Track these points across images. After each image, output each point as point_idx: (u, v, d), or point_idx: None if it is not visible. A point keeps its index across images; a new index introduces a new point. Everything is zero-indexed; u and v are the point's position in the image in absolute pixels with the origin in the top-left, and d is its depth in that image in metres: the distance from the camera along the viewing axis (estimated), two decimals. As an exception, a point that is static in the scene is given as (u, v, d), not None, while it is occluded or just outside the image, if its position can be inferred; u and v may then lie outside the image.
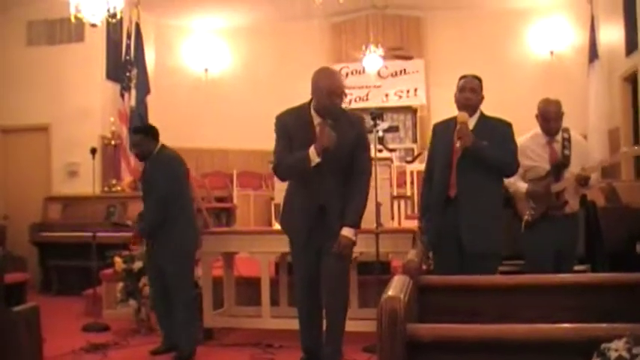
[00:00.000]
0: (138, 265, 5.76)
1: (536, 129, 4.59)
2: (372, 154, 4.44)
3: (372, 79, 11.92)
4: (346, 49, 12.04)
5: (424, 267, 3.76)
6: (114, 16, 7.57)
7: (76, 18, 7.27)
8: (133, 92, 9.14)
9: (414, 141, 11.90)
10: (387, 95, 11.98)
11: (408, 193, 8.98)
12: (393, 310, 1.97)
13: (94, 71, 9.31)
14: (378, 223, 5.04)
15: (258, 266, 5.48)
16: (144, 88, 9.33)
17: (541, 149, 4.51)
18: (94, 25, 7.49)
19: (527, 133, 4.63)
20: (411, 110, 12.10)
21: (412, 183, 8.98)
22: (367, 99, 11.97)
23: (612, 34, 9.20)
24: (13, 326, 2.53)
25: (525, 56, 11.35)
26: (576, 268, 4.77)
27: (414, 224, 4.55)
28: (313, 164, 3.93)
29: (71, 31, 9.09)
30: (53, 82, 9.15)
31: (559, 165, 4.42)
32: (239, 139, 11.33)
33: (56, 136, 9.28)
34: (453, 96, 4.23)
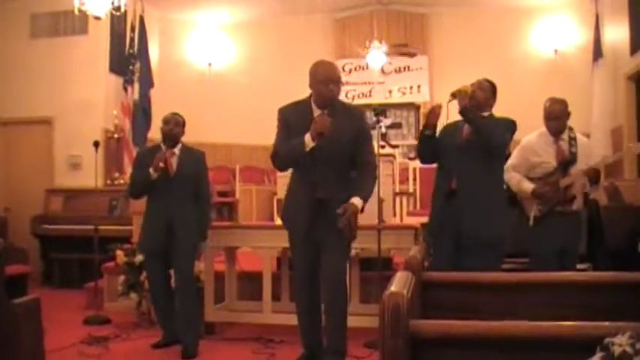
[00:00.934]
0: (139, 258, 5.77)
1: (543, 128, 4.65)
2: (375, 150, 4.45)
3: (375, 75, 11.92)
4: (350, 45, 12.01)
5: (427, 263, 3.77)
6: (118, 9, 7.57)
7: (80, 10, 7.27)
8: (137, 86, 9.11)
9: (417, 138, 11.85)
10: (390, 91, 11.98)
11: (411, 190, 8.97)
12: (395, 306, 1.96)
13: (97, 64, 9.30)
14: (381, 220, 5.03)
15: (260, 261, 5.48)
16: (147, 82, 9.31)
17: (548, 147, 4.58)
18: (97, 18, 7.50)
19: (533, 133, 4.70)
20: (414, 107, 12.07)
21: (415, 179, 8.97)
22: (370, 95, 11.98)
23: (617, 33, 9.18)
24: (15, 318, 2.53)
25: (529, 54, 11.32)
26: (579, 266, 4.80)
27: (416, 221, 4.55)
28: (308, 149, 3.93)
29: (75, 23, 9.10)
30: (56, 74, 9.15)
31: (567, 161, 4.49)
32: (242, 134, 11.33)
33: (59, 129, 9.28)
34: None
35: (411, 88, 11.89)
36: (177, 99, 10.50)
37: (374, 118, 5.31)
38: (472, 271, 3.28)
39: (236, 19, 12.09)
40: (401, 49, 11.83)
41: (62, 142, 9.24)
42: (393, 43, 11.66)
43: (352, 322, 4.61)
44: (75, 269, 7.94)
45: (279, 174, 5.79)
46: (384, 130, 8.27)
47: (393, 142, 10.04)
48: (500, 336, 2.02)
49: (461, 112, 4.13)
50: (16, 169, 9.30)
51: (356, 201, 3.97)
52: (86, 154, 8.13)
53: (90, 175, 7.16)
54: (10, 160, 9.34)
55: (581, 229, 4.76)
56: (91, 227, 6.45)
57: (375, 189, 4.96)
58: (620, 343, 1.77)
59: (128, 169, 9.01)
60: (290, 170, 4.34)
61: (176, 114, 5.15)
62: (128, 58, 9.19)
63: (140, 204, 5.42)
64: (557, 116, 4.53)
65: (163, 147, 4.95)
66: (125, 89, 9.12)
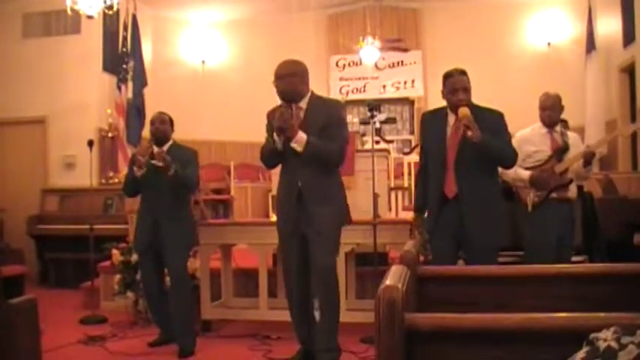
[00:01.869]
0: (135, 257, 5.76)
1: (537, 123, 4.81)
2: (370, 145, 4.44)
3: (369, 70, 11.91)
4: (343, 41, 12.02)
5: (422, 258, 3.77)
6: (110, 7, 7.55)
7: (72, 10, 7.25)
8: (130, 84, 9.09)
9: (412, 132, 11.90)
10: (384, 87, 11.98)
11: (406, 185, 8.97)
12: (391, 300, 1.96)
13: (90, 63, 9.28)
14: (376, 215, 5.04)
15: (255, 258, 5.48)
16: (141, 81, 9.29)
17: (542, 137, 4.73)
18: (90, 17, 7.48)
19: (527, 128, 4.86)
20: (409, 102, 12.09)
21: (409, 174, 8.97)
22: (364, 90, 11.98)
23: (609, 26, 9.19)
24: (11, 319, 2.52)
25: (523, 48, 11.33)
26: (574, 258, 4.83)
27: (411, 215, 4.54)
28: (278, 145, 4.03)
29: (67, 23, 9.06)
30: (50, 74, 9.12)
31: (560, 149, 4.66)
32: (236, 131, 11.30)
33: (53, 129, 9.25)
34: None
35: (405, 83, 11.90)
36: (171, 97, 10.50)
37: (368, 113, 5.31)
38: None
39: (229, 16, 12.07)
40: (394, 44, 11.83)
41: (56, 141, 9.22)
42: (386, 38, 11.65)
43: (348, 317, 4.62)
44: (71, 269, 7.94)
45: (272, 171, 5.80)
46: (378, 125, 8.29)
47: (388, 137, 10.05)
48: (495, 328, 2.02)
49: (473, 145, 3.91)
50: (11, 169, 9.27)
51: (301, 134, 4.00)
52: (80, 154, 8.12)
53: (85, 175, 7.15)
54: (4, 161, 9.30)
55: (575, 219, 4.84)
56: (87, 227, 6.44)
57: (370, 184, 4.97)
58: (605, 338, 1.76)
59: (123, 168, 9.00)
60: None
61: (162, 112, 5.12)
62: (121, 57, 9.17)
63: (135, 202, 5.43)
64: (551, 106, 4.68)
65: (154, 146, 4.93)
66: (119, 88, 9.10)
